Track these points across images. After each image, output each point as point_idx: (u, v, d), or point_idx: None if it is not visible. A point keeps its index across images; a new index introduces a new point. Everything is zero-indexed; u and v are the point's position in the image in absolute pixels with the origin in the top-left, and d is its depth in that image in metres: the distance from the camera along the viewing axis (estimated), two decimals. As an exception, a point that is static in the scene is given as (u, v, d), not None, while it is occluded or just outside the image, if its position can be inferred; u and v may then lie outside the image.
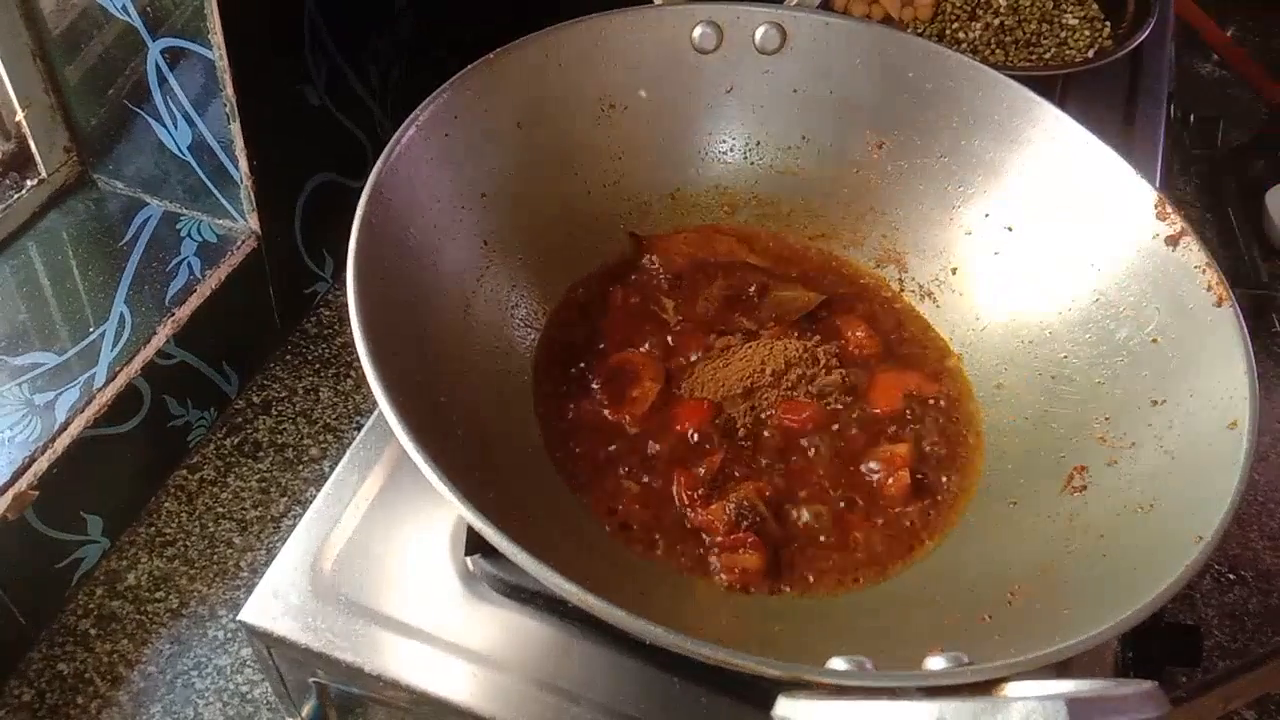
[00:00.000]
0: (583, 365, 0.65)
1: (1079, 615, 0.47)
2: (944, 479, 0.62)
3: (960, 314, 0.69)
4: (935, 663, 0.40)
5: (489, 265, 0.64)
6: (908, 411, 0.64)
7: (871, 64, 0.69)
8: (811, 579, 0.57)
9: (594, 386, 0.64)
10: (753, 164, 0.73)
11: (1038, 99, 0.65)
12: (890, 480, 0.60)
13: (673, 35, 0.69)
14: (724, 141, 0.72)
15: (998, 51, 0.93)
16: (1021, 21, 0.94)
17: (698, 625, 0.54)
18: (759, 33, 0.69)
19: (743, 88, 0.71)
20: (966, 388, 0.66)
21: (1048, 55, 0.93)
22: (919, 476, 0.61)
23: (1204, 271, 0.57)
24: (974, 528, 0.59)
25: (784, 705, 0.41)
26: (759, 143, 0.72)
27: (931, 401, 0.65)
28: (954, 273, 0.69)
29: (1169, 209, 0.60)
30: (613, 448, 0.61)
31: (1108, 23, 0.96)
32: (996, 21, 0.94)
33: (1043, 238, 0.66)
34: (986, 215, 0.68)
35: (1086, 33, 0.94)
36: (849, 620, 0.56)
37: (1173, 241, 0.59)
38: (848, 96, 0.70)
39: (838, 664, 0.41)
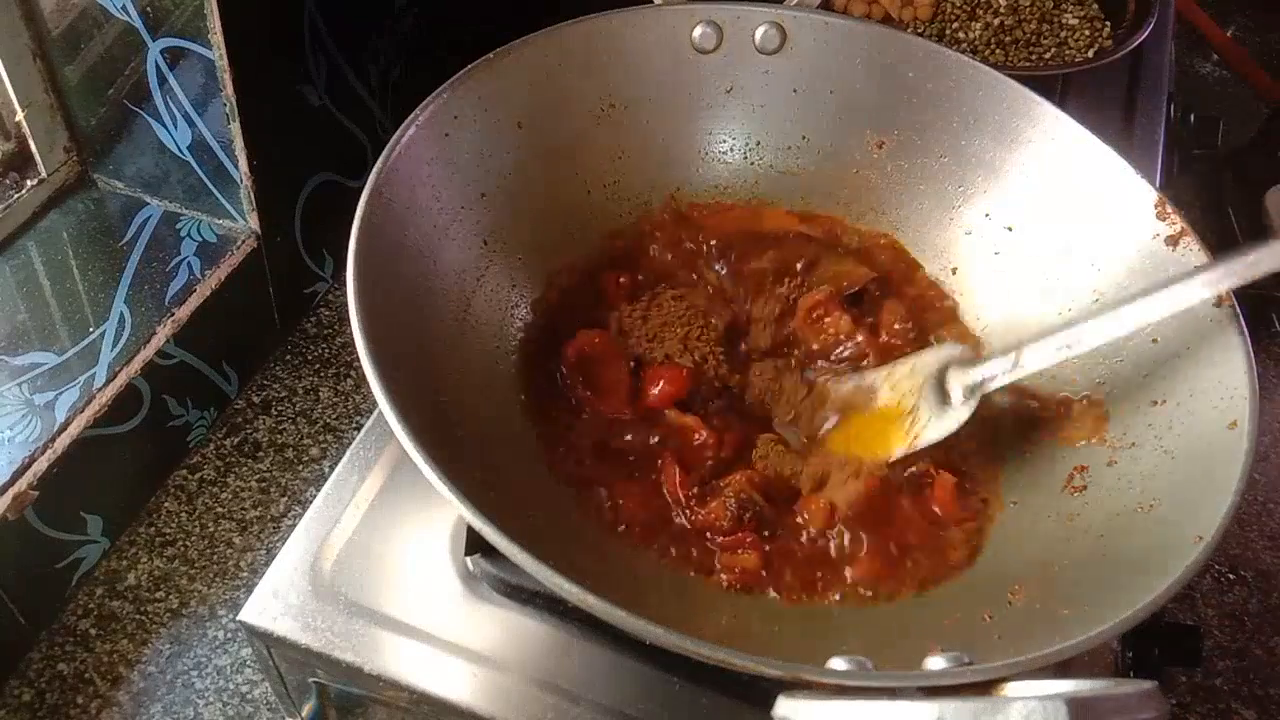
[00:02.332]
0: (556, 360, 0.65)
1: (1079, 615, 0.47)
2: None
3: (960, 314, 0.69)
4: (935, 663, 0.40)
5: (489, 265, 0.64)
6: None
7: (871, 64, 0.69)
8: (813, 590, 0.57)
9: (568, 379, 0.63)
10: (753, 164, 0.73)
11: (1038, 99, 0.65)
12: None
13: (673, 35, 0.69)
14: (724, 142, 0.72)
15: (997, 51, 0.92)
16: (1021, 21, 0.94)
17: (698, 625, 0.54)
18: (759, 33, 0.69)
19: (743, 88, 0.71)
20: None
21: (1048, 55, 0.93)
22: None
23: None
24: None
25: (784, 705, 0.41)
26: (759, 143, 0.72)
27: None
28: (954, 273, 0.69)
29: (1169, 209, 0.60)
30: (606, 443, 0.61)
31: (1108, 23, 0.96)
32: (996, 21, 0.94)
33: (1043, 238, 0.66)
34: (986, 215, 0.68)
35: (1086, 32, 0.94)
36: (849, 620, 0.56)
37: (1173, 241, 0.59)
38: (848, 96, 0.70)
39: (838, 664, 0.41)
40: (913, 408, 0.61)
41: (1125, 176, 0.62)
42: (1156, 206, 0.60)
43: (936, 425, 0.60)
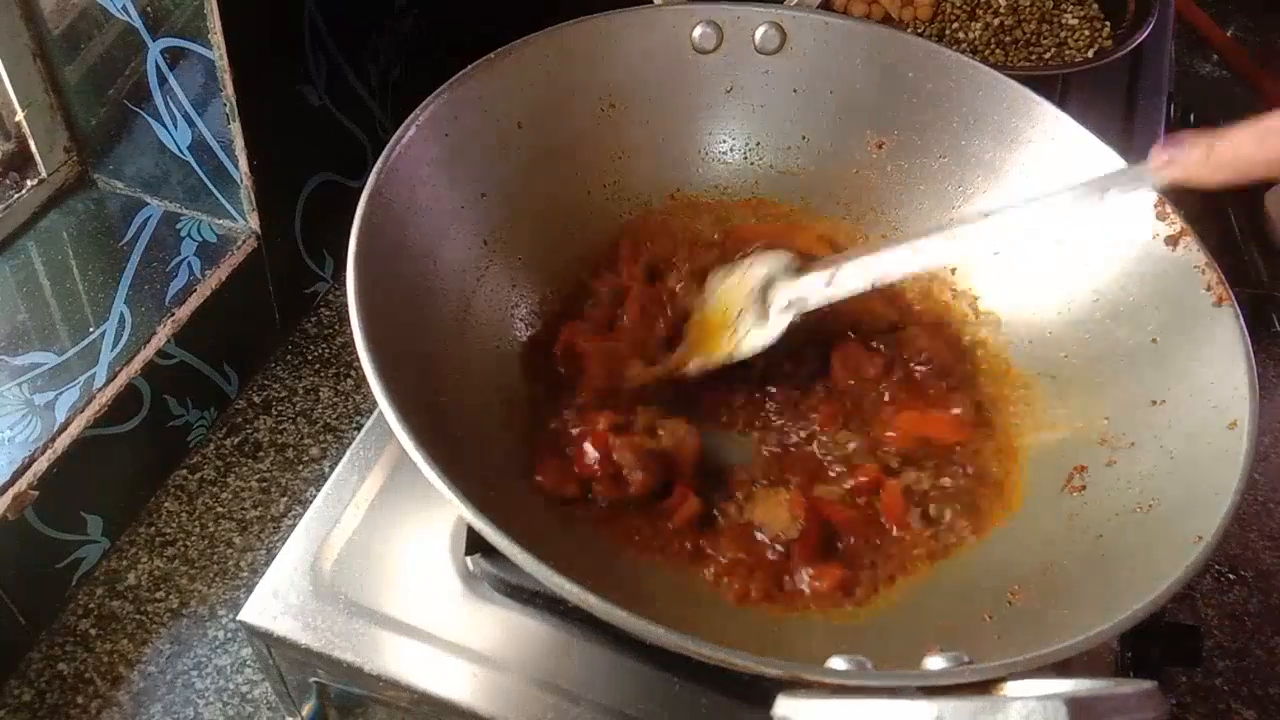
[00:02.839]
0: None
1: (1079, 615, 0.47)
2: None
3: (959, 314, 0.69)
4: (935, 662, 0.40)
5: (489, 265, 0.64)
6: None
7: (871, 64, 0.69)
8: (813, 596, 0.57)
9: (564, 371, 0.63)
10: (753, 164, 0.73)
11: (1038, 99, 0.65)
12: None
13: (673, 35, 0.69)
14: (724, 142, 0.72)
15: (997, 51, 0.92)
16: (1021, 21, 0.94)
17: (698, 625, 0.54)
18: (759, 33, 0.69)
19: (743, 88, 0.71)
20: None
21: (1047, 55, 0.93)
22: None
23: (1204, 271, 0.57)
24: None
25: (784, 705, 0.41)
26: (759, 143, 0.72)
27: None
28: (953, 273, 0.69)
29: (1169, 209, 0.60)
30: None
31: (1107, 23, 0.96)
32: (996, 21, 0.94)
33: (1042, 238, 0.66)
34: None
35: (1086, 32, 0.94)
36: (849, 619, 0.56)
37: (1173, 241, 0.59)
38: (848, 96, 0.70)
39: (837, 663, 0.41)
40: (737, 317, 0.62)
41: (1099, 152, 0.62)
42: (1156, 206, 0.60)
43: (755, 336, 0.61)
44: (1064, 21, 0.95)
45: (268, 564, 0.60)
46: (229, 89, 0.80)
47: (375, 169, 0.57)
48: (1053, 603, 0.51)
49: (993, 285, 0.68)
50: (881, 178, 0.71)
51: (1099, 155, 0.63)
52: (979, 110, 0.67)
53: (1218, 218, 1.28)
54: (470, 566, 0.60)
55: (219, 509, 0.88)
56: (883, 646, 0.53)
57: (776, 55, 0.70)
